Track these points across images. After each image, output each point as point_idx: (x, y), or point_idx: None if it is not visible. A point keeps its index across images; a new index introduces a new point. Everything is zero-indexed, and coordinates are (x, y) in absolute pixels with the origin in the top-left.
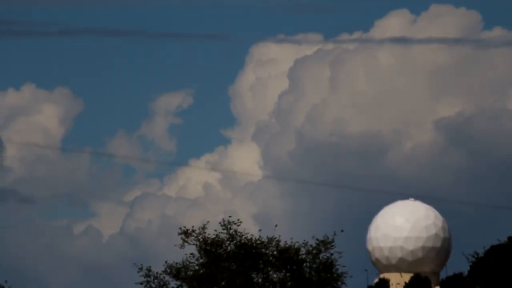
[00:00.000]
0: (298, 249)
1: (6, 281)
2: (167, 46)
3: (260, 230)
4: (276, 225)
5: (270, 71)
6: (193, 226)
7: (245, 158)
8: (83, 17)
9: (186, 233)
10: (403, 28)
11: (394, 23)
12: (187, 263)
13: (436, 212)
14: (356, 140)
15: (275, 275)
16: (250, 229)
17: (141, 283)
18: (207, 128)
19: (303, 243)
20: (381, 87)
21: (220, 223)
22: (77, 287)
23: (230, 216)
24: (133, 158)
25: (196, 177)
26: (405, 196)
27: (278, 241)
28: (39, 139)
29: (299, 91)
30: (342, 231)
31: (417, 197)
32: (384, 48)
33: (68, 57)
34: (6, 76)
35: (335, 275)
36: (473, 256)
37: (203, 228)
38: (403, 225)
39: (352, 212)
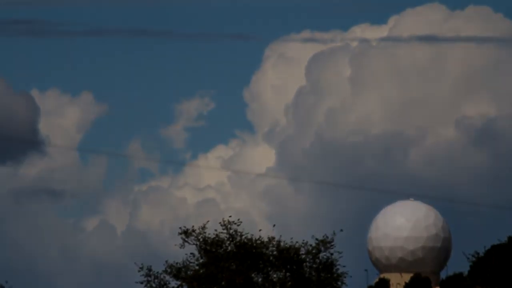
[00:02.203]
0: (298, 249)
1: (6, 282)
2: (185, 46)
3: (260, 230)
4: (274, 225)
5: (289, 70)
6: (193, 226)
7: (256, 157)
8: (98, 16)
9: (186, 233)
10: (435, 24)
11: (425, 18)
12: (187, 263)
13: (437, 212)
14: (373, 140)
15: (275, 275)
16: (251, 228)
17: (141, 283)
18: (223, 127)
19: (303, 243)
20: (406, 87)
21: (220, 223)
22: (80, 285)
23: (230, 216)
24: (143, 157)
25: (209, 175)
26: (405, 196)
27: (279, 241)
28: (58, 139)
29: (318, 90)
30: (341, 230)
31: (417, 197)
32: (410, 45)
33: (86, 58)
34: (30, 77)
35: (335, 275)
36: (473, 256)
37: (203, 228)
38: (403, 225)
39: (352, 212)
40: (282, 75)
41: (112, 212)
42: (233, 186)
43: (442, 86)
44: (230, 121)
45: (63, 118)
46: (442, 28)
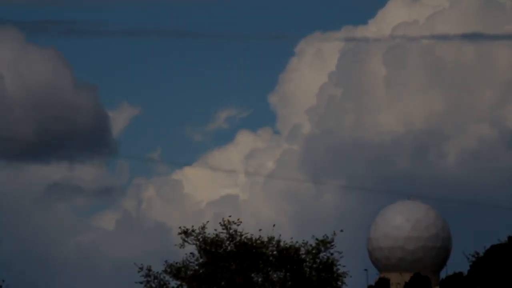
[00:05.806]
0: (298, 249)
1: (3, 281)
2: (212, 46)
3: (260, 230)
4: (274, 225)
5: (318, 67)
6: (192, 226)
7: (274, 156)
8: (118, 18)
9: (186, 233)
10: (476, 19)
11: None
12: (187, 262)
13: (437, 212)
14: (391, 140)
15: (275, 275)
16: (248, 229)
17: (141, 283)
18: (251, 125)
19: (303, 242)
20: (441, 84)
21: (220, 223)
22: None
23: (230, 216)
24: (157, 159)
25: (231, 175)
26: (405, 196)
27: (278, 240)
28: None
29: (348, 88)
30: (341, 231)
31: (416, 197)
32: (446, 43)
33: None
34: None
35: (335, 275)
36: (473, 256)
37: (203, 227)
38: (403, 225)
39: (352, 212)
40: (313, 73)
41: (132, 209)
42: (250, 186)
43: (484, 87)
44: (256, 119)
45: None
46: (489, 25)
